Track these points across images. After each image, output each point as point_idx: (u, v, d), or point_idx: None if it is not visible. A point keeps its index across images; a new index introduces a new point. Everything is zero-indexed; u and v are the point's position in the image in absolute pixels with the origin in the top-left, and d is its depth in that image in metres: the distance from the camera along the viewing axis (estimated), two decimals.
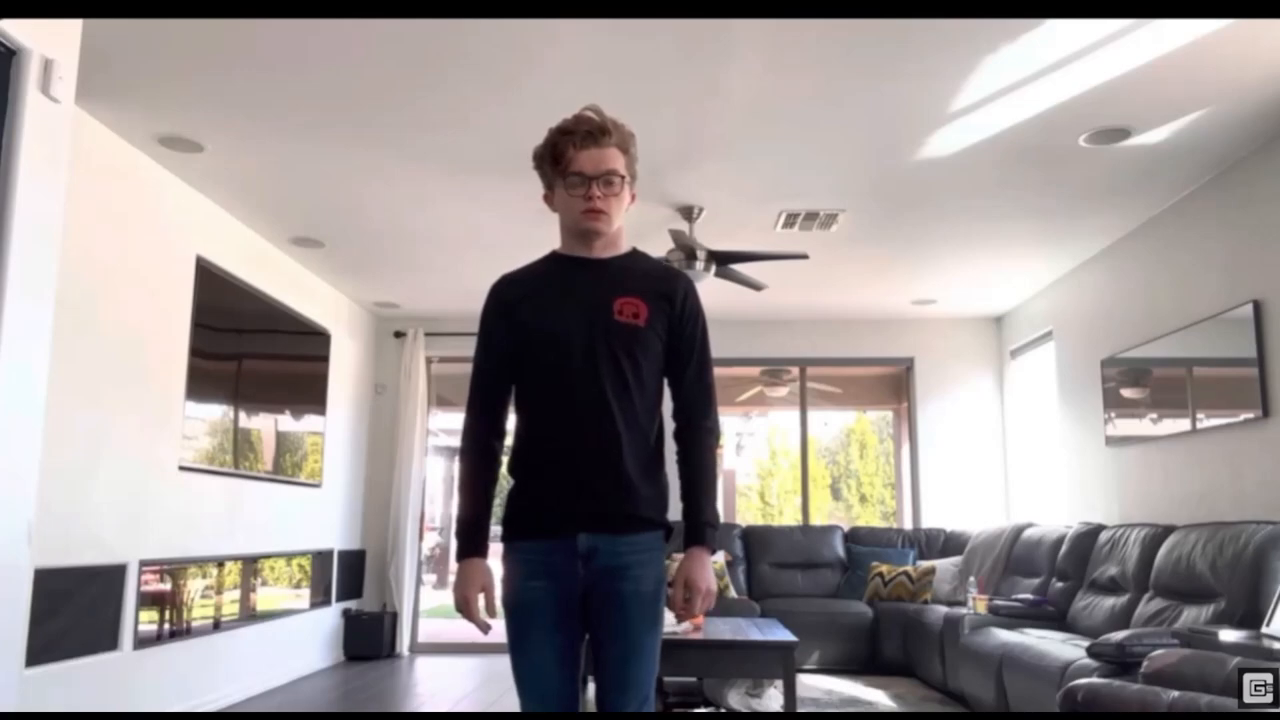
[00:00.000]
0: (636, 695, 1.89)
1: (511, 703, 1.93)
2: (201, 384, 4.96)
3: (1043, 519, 6.31)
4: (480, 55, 3.48)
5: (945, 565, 6.58)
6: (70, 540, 3.95)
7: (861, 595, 6.66)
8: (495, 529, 2.01)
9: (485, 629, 1.94)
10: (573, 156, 1.94)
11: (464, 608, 1.91)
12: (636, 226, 5.00)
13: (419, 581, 7.68)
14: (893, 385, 8.04)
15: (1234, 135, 4.09)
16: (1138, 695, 2.80)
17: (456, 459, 2.10)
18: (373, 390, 7.66)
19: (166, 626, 4.68)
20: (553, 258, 2.07)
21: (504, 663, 1.97)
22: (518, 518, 1.95)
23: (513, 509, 1.97)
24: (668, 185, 4.74)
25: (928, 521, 7.36)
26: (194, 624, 4.94)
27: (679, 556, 1.94)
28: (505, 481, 2.04)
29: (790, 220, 5.22)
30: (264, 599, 5.76)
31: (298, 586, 6.31)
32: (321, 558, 6.64)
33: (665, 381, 2.04)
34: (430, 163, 4.50)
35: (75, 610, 3.97)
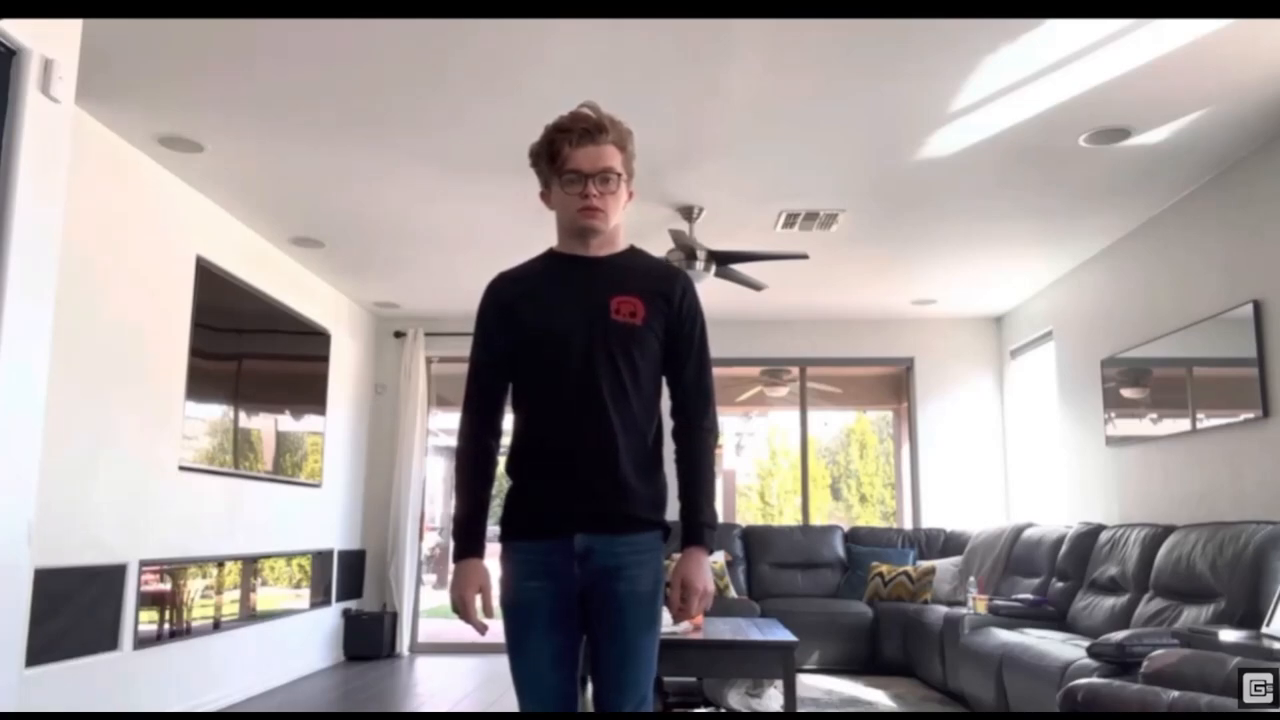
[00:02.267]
0: (634, 696, 1.88)
1: (511, 702, 1.92)
2: (201, 384, 4.96)
3: (1043, 519, 6.30)
4: (480, 55, 3.48)
5: (945, 565, 6.58)
6: (70, 540, 3.94)
7: (861, 595, 6.66)
8: (493, 529, 2.01)
9: (482, 629, 1.93)
10: (569, 154, 1.92)
11: (461, 608, 1.91)
12: (636, 226, 5.00)
13: (419, 581, 7.68)
14: (893, 385, 8.04)
15: (1234, 135, 4.09)
16: (1138, 695, 2.80)
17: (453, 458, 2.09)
18: (373, 390, 7.66)
19: (166, 626, 4.68)
20: (550, 256, 2.06)
21: (504, 663, 1.96)
22: (516, 518, 1.95)
23: (511, 509, 1.97)
24: (668, 185, 4.74)
25: (928, 521, 7.36)
26: (194, 624, 4.94)
27: (679, 557, 1.94)
28: (503, 482, 2.04)
29: (790, 220, 5.22)
30: (264, 599, 5.76)
31: (298, 586, 6.31)
32: (321, 558, 6.64)
33: (664, 381, 2.03)
34: (431, 162, 4.50)
35: (75, 610, 3.97)
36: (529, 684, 1.90)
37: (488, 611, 1.93)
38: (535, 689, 1.89)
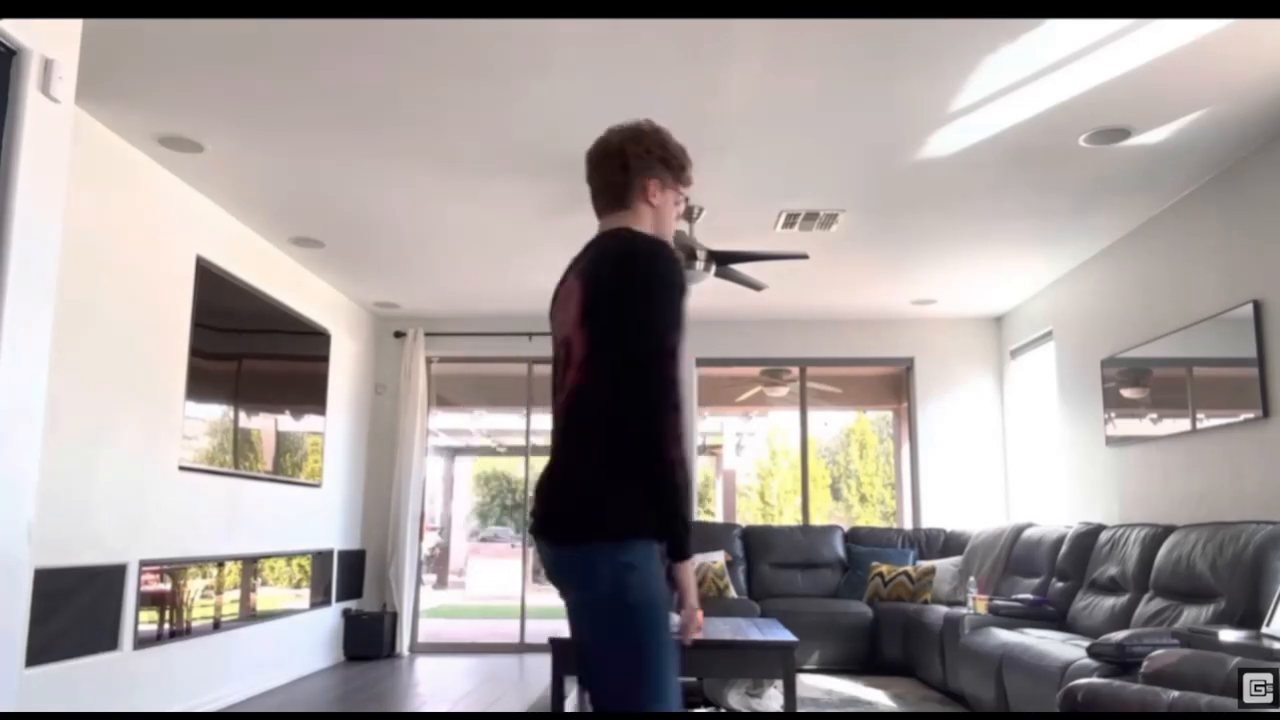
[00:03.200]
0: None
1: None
2: (201, 384, 4.96)
3: (1043, 519, 6.30)
4: (480, 55, 3.48)
5: (945, 565, 6.58)
6: (70, 540, 3.95)
7: (861, 595, 6.66)
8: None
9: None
10: (689, 178, 2.14)
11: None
12: None
13: (419, 581, 7.68)
14: (893, 385, 8.04)
15: (1234, 135, 4.09)
16: (1138, 695, 2.80)
17: (685, 459, 1.83)
18: (373, 390, 7.66)
19: (166, 626, 4.68)
20: None
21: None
22: (653, 515, 1.86)
23: (647, 506, 1.85)
24: None
25: (928, 521, 7.36)
26: (194, 624, 4.94)
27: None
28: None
29: (790, 220, 5.22)
30: (264, 599, 5.76)
31: (298, 586, 6.31)
32: (321, 558, 6.64)
33: None
34: (430, 163, 4.50)
35: (75, 610, 3.97)
36: (675, 684, 1.83)
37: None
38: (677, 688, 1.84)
